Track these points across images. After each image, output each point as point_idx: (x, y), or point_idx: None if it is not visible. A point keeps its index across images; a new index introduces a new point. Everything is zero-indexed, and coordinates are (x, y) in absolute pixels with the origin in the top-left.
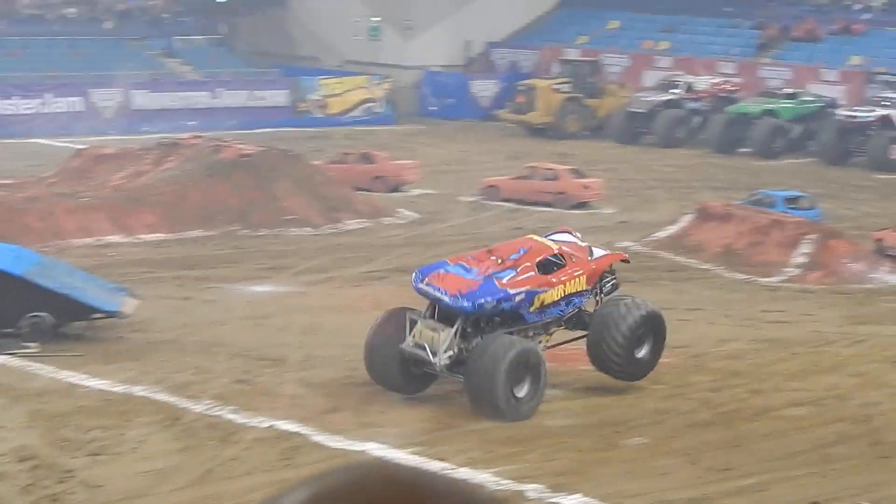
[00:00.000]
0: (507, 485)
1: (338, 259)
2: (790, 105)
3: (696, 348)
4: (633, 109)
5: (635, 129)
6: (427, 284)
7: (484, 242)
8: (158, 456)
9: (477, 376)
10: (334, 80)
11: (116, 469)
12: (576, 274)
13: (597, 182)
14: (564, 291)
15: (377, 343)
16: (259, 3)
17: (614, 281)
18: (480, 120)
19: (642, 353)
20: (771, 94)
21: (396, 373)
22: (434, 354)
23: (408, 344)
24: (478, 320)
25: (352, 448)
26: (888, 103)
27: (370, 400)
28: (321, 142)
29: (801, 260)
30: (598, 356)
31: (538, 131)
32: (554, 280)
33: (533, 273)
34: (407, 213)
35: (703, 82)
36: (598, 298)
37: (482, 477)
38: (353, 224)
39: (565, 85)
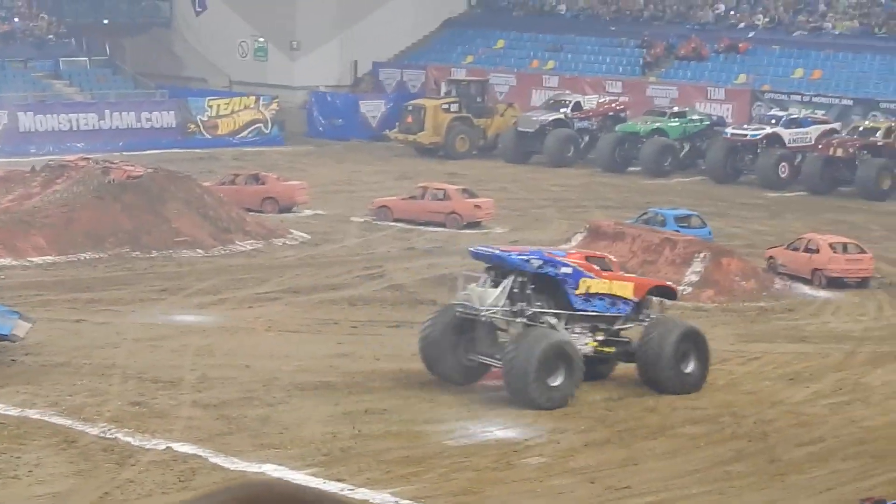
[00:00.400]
0: None
1: (230, 280)
2: (678, 124)
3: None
4: (521, 129)
5: (525, 148)
6: (484, 247)
7: (377, 263)
8: (54, 479)
9: (512, 364)
10: (222, 101)
11: (12, 493)
12: (624, 278)
13: (488, 202)
14: (611, 289)
15: (432, 337)
16: (145, 24)
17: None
18: (369, 140)
19: (690, 368)
20: (659, 113)
21: (451, 363)
22: (480, 305)
23: (460, 296)
24: (522, 289)
25: (249, 469)
26: (775, 121)
27: (267, 421)
28: (210, 163)
29: (693, 278)
30: (650, 377)
31: (428, 151)
32: (603, 273)
33: (582, 260)
34: (298, 234)
35: (590, 101)
36: (641, 318)
37: (381, 497)
38: (244, 245)
39: (454, 105)
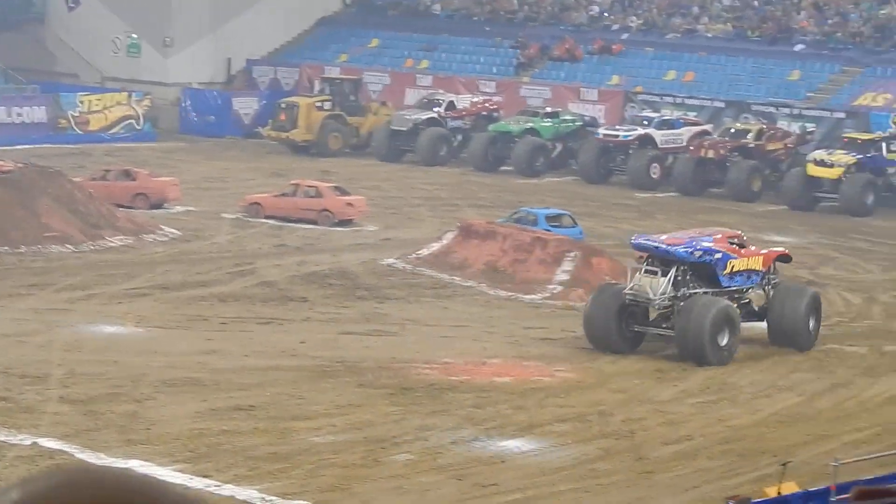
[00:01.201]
0: (274, 501)
1: (100, 276)
2: (550, 124)
3: (460, 365)
4: (395, 128)
5: (398, 147)
6: (646, 239)
7: (248, 260)
8: None
9: (686, 329)
10: (94, 97)
11: None
12: (755, 253)
13: (360, 200)
14: (747, 265)
15: (595, 311)
16: (16, 19)
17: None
18: (242, 137)
19: (811, 325)
20: (532, 113)
21: (614, 334)
22: (653, 295)
23: (629, 288)
24: (684, 276)
25: (116, 465)
26: (648, 122)
27: (134, 417)
28: (81, 158)
29: (563, 277)
30: (781, 335)
31: (301, 149)
32: (741, 251)
33: (726, 244)
34: (169, 230)
35: (464, 101)
36: (765, 288)
37: (247, 494)
38: (115, 241)
39: (327, 103)
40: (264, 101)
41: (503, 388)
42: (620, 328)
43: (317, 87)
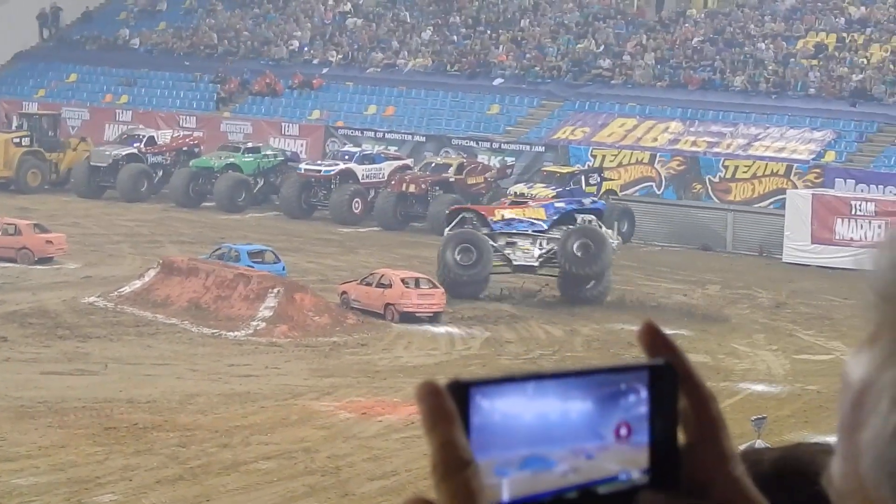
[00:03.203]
0: None
1: None
2: (252, 159)
3: (164, 403)
4: (94, 163)
5: (98, 183)
6: None
7: None
8: None
9: None
10: None
11: None
12: None
13: (60, 237)
14: None
15: None
16: None
17: None
18: None
19: None
20: (233, 148)
21: None
22: None
23: None
24: None
25: None
26: (349, 157)
27: None
28: None
29: (266, 314)
30: None
31: None
32: None
33: None
34: None
35: (164, 136)
36: None
37: None
38: None
39: (25, 138)
40: None
41: (207, 426)
42: None
43: (14, 122)
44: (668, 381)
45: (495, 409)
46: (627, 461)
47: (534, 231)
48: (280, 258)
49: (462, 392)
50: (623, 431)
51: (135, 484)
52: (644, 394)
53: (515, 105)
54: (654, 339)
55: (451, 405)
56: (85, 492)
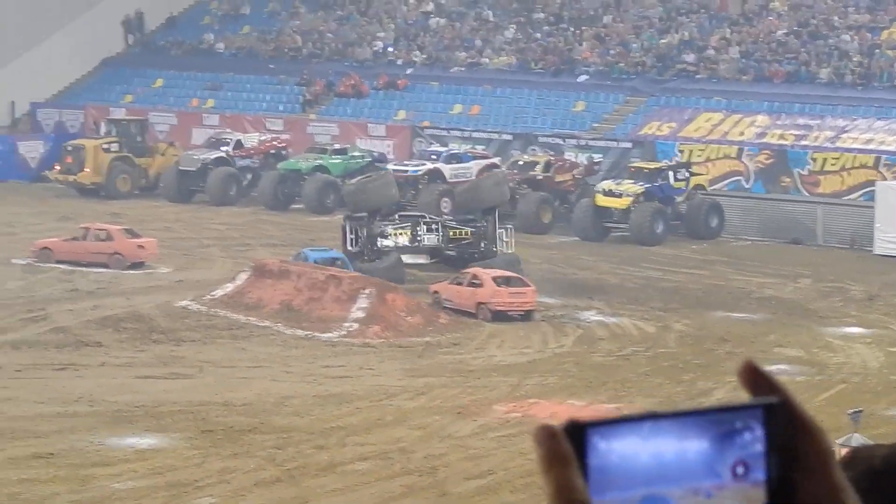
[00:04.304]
0: None
1: None
2: (339, 160)
3: (259, 406)
4: (183, 168)
5: (187, 187)
6: None
7: (40, 305)
8: None
9: None
10: None
11: None
12: None
13: (151, 241)
14: None
15: None
16: None
17: None
18: (29, 181)
19: None
20: (320, 150)
21: None
22: None
23: None
24: None
25: None
26: (436, 157)
27: None
28: None
29: (359, 315)
30: None
31: (89, 192)
32: None
33: None
34: None
35: (252, 139)
36: None
37: None
38: None
39: (114, 144)
40: (50, 144)
41: (303, 427)
42: None
43: (103, 128)
44: (782, 418)
45: (612, 449)
46: (745, 499)
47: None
48: (350, 265)
49: (579, 433)
50: (740, 470)
51: (233, 486)
52: (759, 432)
53: (601, 101)
54: (755, 377)
55: (567, 448)
56: (184, 495)
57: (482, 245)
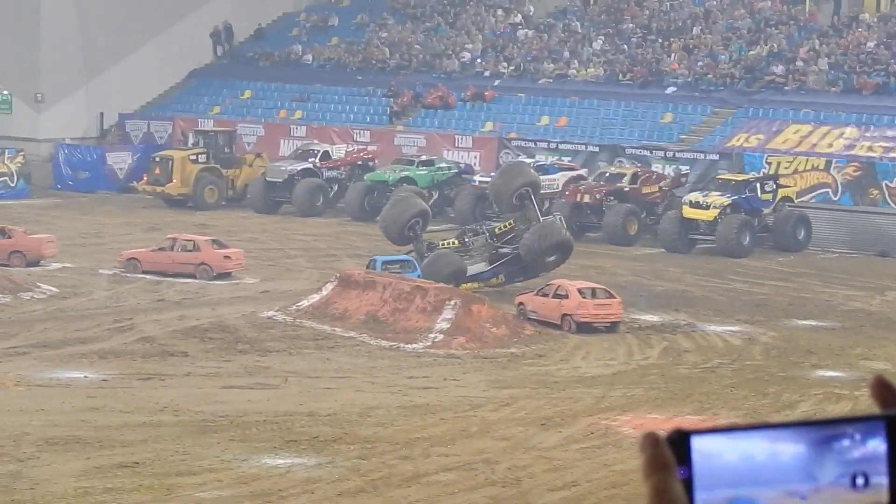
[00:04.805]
0: None
1: None
2: (426, 172)
3: (344, 416)
4: (270, 179)
5: (274, 198)
6: None
7: (127, 315)
8: None
9: None
10: None
11: None
12: None
13: (238, 252)
14: None
15: None
16: None
17: None
18: (117, 192)
19: None
20: (407, 162)
21: None
22: None
23: None
24: None
25: None
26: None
27: (18, 477)
28: None
29: (444, 325)
30: None
31: (176, 202)
32: None
33: None
34: (47, 287)
35: (339, 150)
36: None
37: None
38: None
39: (201, 155)
40: (138, 155)
41: (387, 438)
42: None
43: (191, 139)
44: None
45: (715, 455)
46: None
47: None
48: (418, 266)
49: (682, 440)
50: (860, 481)
51: (317, 496)
52: (880, 443)
53: (689, 113)
54: (885, 391)
55: (668, 455)
56: None
57: (531, 225)
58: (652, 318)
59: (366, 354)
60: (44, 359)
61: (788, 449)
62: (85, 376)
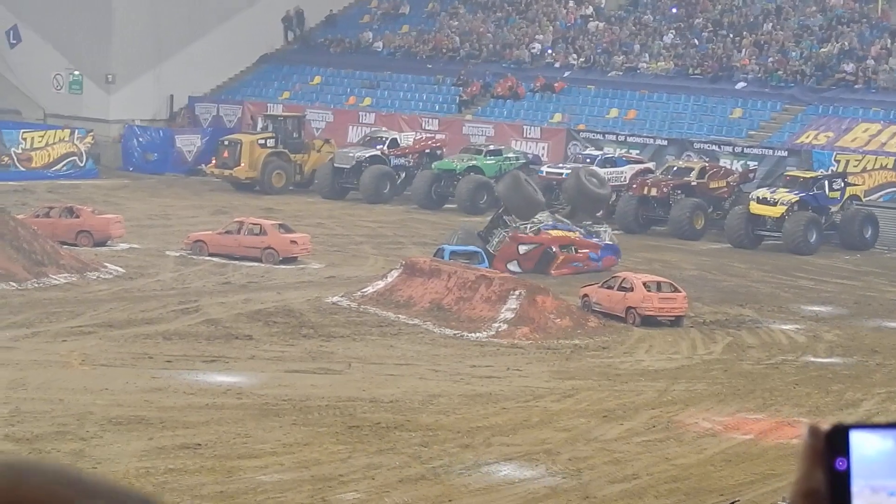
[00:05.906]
0: None
1: (44, 314)
2: (494, 161)
3: (406, 403)
4: (338, 165)
5: (341, 184)
6: None
7: (192, 297)
8: None
9: None
10: (36, 134)
11: None
12: None
13: (304, 237)
14: None
15: None
16: None
17: None
18: (185, 174)
19: None
20: (475, 151)
21: None
22: None
23: None
24: None
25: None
26: (590, 160)
27: (80, 456)
28: (24, 195)
29: (508, 315)
30: None
31: (244, 186)
32: None
33: None
34: (113, 267)
35: (407, 138)
36: None
37: None
38: (58, 279)
39: (270, 140)
40: (207, 138)
41: (449, 426)
42: None
43: (259, 124)
44: None
45: (871, 448)
46: None
47: None
48: (486, 259)
49: (842, 433)
50: None
51: (377, 482)
52: None
53: (758, 109)
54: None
55: (820, 446)
56: (328, 490)
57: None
58: (717, 312)
59: (429, 342)
60: (109, 338)
61: None
62: (149, 356)
